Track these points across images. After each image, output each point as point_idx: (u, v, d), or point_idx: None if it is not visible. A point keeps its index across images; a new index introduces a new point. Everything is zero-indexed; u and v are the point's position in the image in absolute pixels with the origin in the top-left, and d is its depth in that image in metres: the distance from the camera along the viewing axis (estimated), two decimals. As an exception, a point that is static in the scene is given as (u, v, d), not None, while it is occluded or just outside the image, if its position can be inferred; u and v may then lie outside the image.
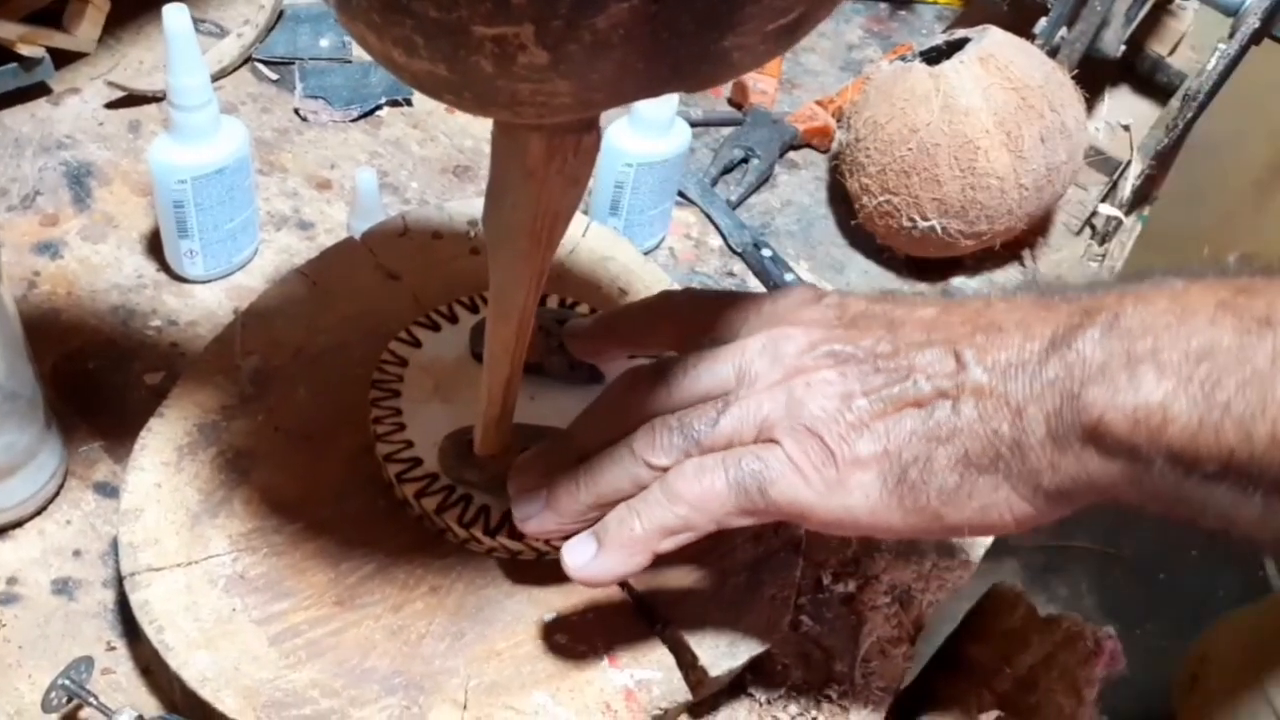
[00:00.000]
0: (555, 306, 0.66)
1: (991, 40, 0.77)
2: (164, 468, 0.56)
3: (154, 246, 0.73)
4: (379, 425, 0.58)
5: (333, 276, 0.68)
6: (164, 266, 0.73)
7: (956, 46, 0.79)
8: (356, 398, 0.61)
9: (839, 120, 0.88)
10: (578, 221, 0.74)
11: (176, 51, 0.63)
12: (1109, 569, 1.81)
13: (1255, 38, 0.77)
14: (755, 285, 0.79)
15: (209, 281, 0.72)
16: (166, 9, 0.62)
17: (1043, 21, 0.83)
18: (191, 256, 0.70)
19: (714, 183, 0.87)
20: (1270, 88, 1.58)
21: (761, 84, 0.92)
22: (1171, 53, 1.00)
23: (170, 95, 0.64)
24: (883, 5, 1.03)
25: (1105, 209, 0.87)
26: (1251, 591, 1.78)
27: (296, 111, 0.84)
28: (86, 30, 0.82)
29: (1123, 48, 0.86)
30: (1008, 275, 0.84)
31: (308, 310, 0.66)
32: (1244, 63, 0.80)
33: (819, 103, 0.92)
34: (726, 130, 0.91)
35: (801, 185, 0.89)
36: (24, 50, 0.77)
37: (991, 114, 0.75)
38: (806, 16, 0.37)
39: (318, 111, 0.84)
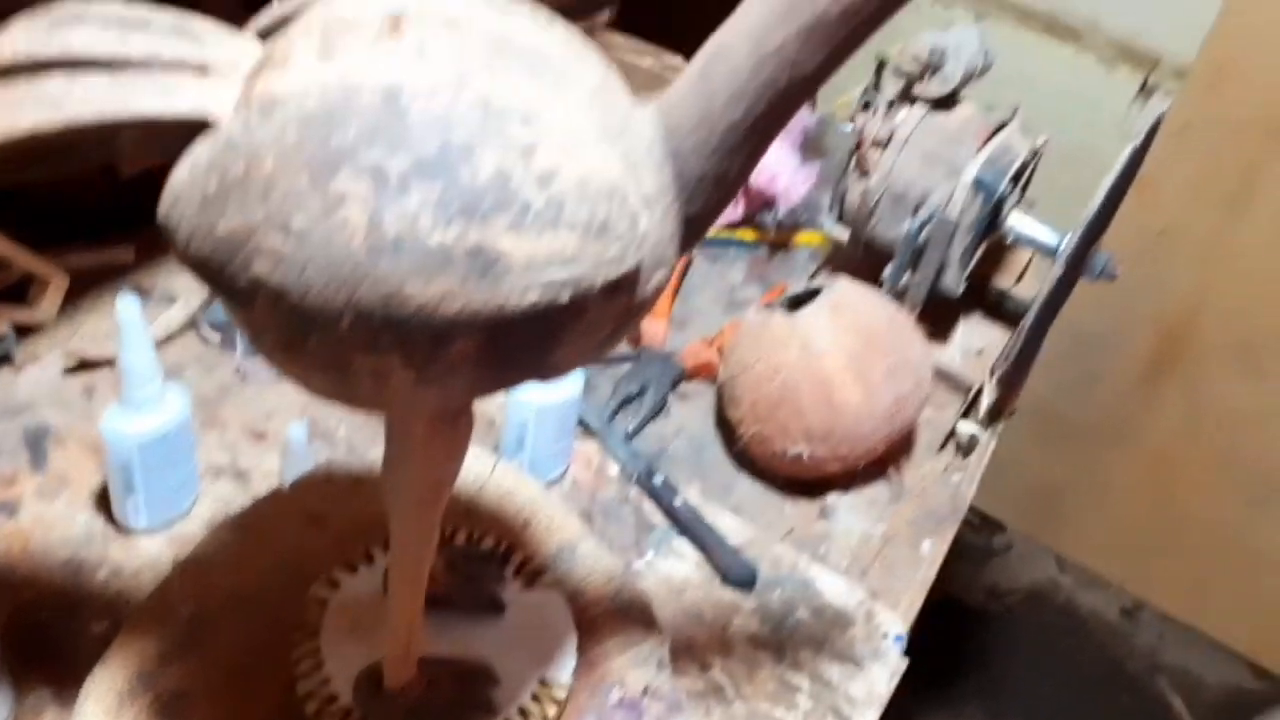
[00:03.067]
0: (463, 542, 0.74)
1: (840, 289, 0.89)
2: (105, 715, 0.62)
3: (103, 501, 0.81)
4: (299, 665, 0.65)
5: (262, 524, 0.77)
6: (111, 520, 0.80)
7: (814, 294, 0.91)
8: (282, 638, 0.68)
9: (721, 356, 0.99)
10: (486, 460, 0.83)
11: (127, 337, 0.73)
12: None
13: (1068, 281, 0.91)
14: (650, 509, 0.89)
15: (152, 532, 0.80)
16: (119, 301, 0.72)
17: (889, 267, 0.96)
18: (137, 511, 0.79)
19: (613, 415, 0.97)
20: (1153, 280, 1.75)
21: (653, 326, 1.04)
22: (1018, 281, 1.13)
23: (121, 373, 0.74)
24: (762, 249, 1.17)
25: (963, 426, 0.98)
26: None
27: (237, 370, 0.94)
28: (47, 306, 0.93)
29: (964, 285, 0.99)
30: (877, 491, 0.94)
31: (238, 557, 0.74)
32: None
33: (705, 340, 1.03)
34: (625, 366, 1.02)
35: (691, 414, 1.00)
36: (-9, 329, 0.87)
37: (843, 354, 0.86)
38: (614, 335, 0.48)
39: (256, 371, 0.94)
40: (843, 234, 1.03)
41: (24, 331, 0.92)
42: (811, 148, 1.15)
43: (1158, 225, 1.72)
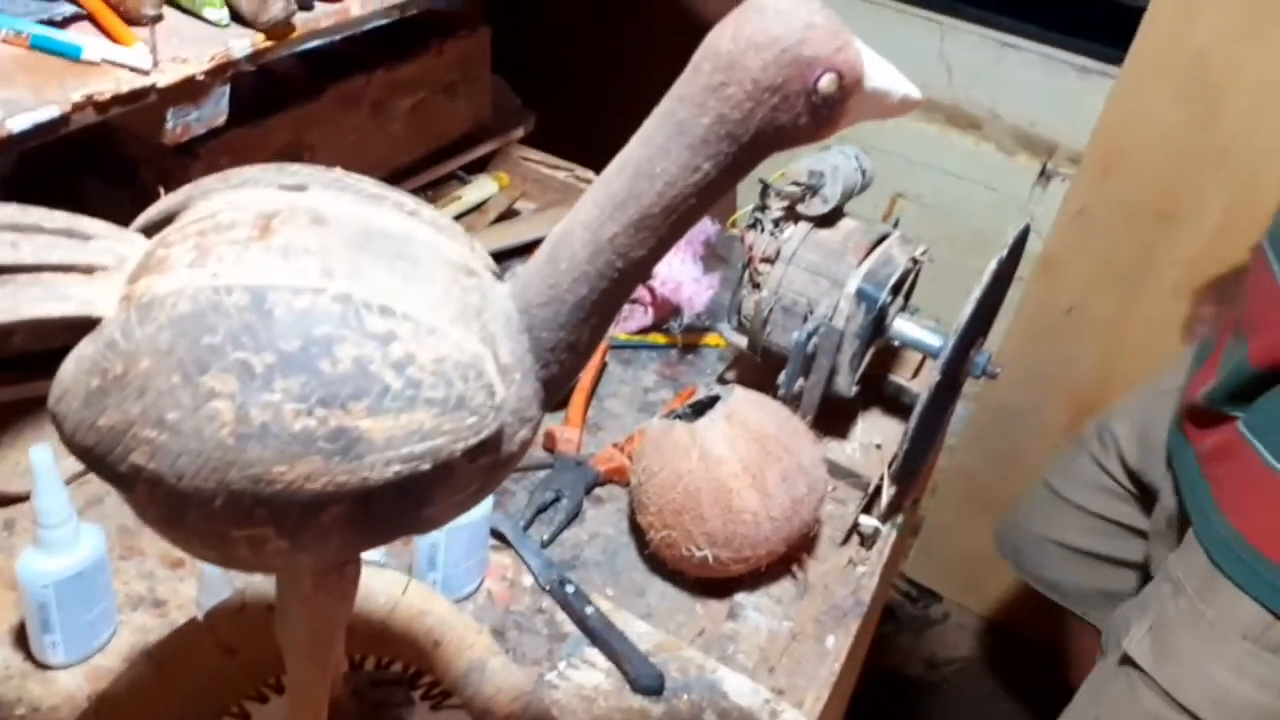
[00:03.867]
0: (371, 667, 0.77)
1: (735, 398, 0.94)
2: None
3: (21, 638, 0.83)
4: (209, 801, 0.67)
5: (177, 657, 0.79)
6: (30, 656, 0.82)
7: (715, 400, 0.96)
8: (196, 773, 0.70)
9: (631, 462, 1.03)
10: (398, 581, 0.86)
11: (41, 482, 0.76)
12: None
13: (949, 384, 0.96)
14: (563, 619, 0.92)
15: (71, 667, 0.82)
16: (33, 450, 0.75)
17: (783, 374, 1.01)
18: (54, 647, 0.81)
19: (528, 525, 1.00)
20: (1064, 355, 1.82)
21: (567, 434, 1.08)
22: (915, 375, 1.19)
23: (36, 515, 0.76)
24: (673, 352, 1.22)
25: (865, 521, 1.03)
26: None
27: (156, 497, 0.96)
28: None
29: (856, 388, 1.04)
30: (783, 588, 0.98)
31: (153, 692, 0.76)
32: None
33: (616, 445, 1.08)
34: (541, 473, 1.06)
35: (606, 518, 1.03)
36: (-90, 471, 0.89)
37: (738, 460, 0.91)
38: (486, 487, 0.52)
39: (175, 496, 0.96)
40: (740, 341, 1.08)
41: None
42: (713, 257, 1.21)
43: (1064, 304, 1.80)
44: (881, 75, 0.47)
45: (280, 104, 1.15)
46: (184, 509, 0.45)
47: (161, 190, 0.53)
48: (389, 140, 1.29)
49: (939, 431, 1.01)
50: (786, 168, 0.99)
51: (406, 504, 0.48)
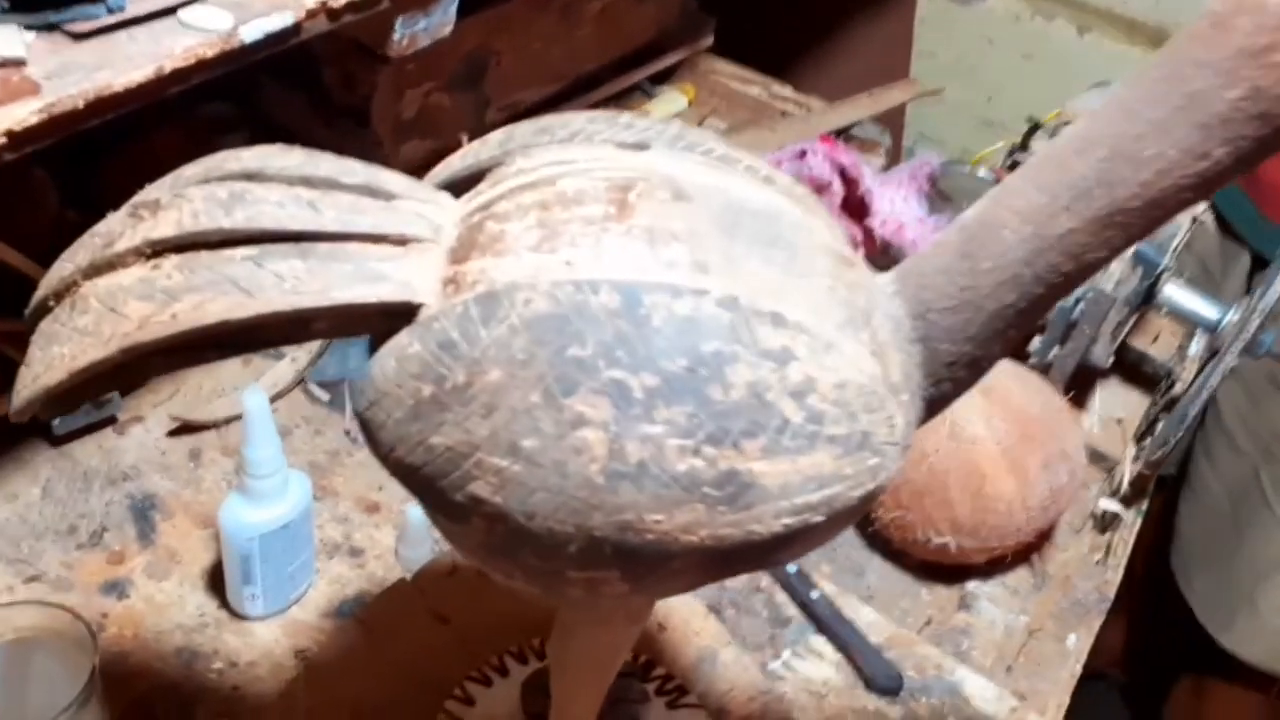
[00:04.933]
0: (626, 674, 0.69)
1: (994, 370, 0.83)
2: None
3: (215, 582, 0.78)
4: (441, 803, 0.61)
5: (385, 622, 0.73)
6: (224, 603, 0.77)
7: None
8: (415, 760, 0.64)
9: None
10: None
11: (253, 429, 0.68)
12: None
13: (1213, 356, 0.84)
14: (783, 600, 0.84)
15: (267, 619, 0.77)
16: (246, 394, 0.68)
17: (1037, 340, 0.90)
18: (253, 599, 0.75)
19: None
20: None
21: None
22: (1154, 342, 1.07)
23: (245, 465, 0.70)
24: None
25: (1105, 504, 0.92)
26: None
27: (346, 432, 0.90)
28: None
29: (1111, 359, 0.92)
30: (1019, 578, 0.88)
31: (362, 660, 0.70)
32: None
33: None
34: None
35: (818, 484, 0.94)
36: (97, 393, 0.83)
37: (996, 442, 0.80)
38: (849, 524, 0.43)
39: (365, 432, 0.89)
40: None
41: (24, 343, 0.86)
42: (937, 194, 1.09)
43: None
44: None
45: (471, 6, 1.05)
46: (521, 547, 0.37)
47: (464, 138, 0.44)
48: (574, 48, 1.18)
49: (1200, 416, 0.89)
50: (1064, 104, 0.86)
51: (770, 553, 0.40)
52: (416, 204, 0.40)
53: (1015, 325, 0.40)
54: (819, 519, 0.37)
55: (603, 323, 0.35)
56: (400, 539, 0.81)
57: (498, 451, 0.35)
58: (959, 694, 0.79)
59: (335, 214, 0.38)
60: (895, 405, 0.39)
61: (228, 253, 0.37)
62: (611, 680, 0.52)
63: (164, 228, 0.37)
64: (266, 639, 0.76)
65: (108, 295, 0.37)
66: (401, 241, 0.39)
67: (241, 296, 0.36)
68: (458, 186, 0.42)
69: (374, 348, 0.40)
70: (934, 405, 0.43)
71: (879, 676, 0.78)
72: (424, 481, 0.37)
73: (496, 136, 0.43)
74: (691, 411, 0.34)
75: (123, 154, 0.93)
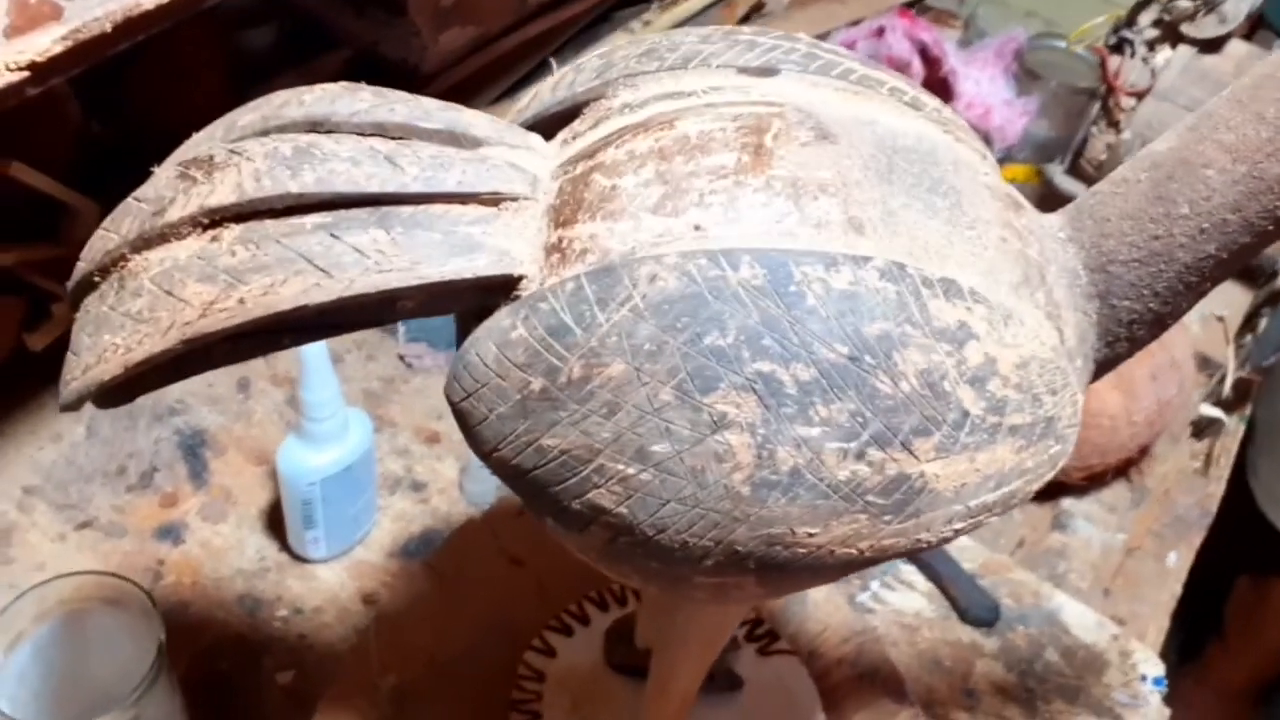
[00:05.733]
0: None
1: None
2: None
3: (273, 522, 0.74)
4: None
5: (456, 565, 0.69)
6: (285, 546, 0.73)
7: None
8: (494, 714, 0.61)
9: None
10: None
11: (310, 371, 0.64)
12: None
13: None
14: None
15: (330, 561, 0.73)
16: (297, 334, 0.63)
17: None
18: (316, 543, 0.71)
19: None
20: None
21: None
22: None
23: (303, 408, 0.65)
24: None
25: (1206, 410, 0.87)
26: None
27: (401, 357, 0.85)
28: (80, 240, 0.82)
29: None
30: (1116, 494, 0.83)
31: (436, 609, 0.67)
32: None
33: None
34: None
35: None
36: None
37: (1101, 356, 0.74)
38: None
39: (421, 356, 0.84)
40: (1076, 188, 0.89)
41: (52, 270, 0.79)
42: (1026, 75, 1.00)
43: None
44: None
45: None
46: (648, 559, 0.32)
47: (553, 63, 0.37)
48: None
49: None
50: (1179, -22, 0.77)
51: (927, 552, 0.34)
52: (506, 150, 0.34)
53: (1212, 279, 0.34)
54: (992, 519, 0.32)
55: (746, 304, 0.29)
56: (464, 472, 0.77)
57: (623, 457, 0.30)
58: (1057, 623, 0.75)
59: (418, 170, 0.32)
60: (1074, 375, 0.33)
61: (297, 220, 0.31)
62: (718, 655, 0.48)
63: (222, 193, 0.31)
64: (332, 583, 0.72)
65: (163, 276, 0.32)
66: (494, 201, 0.33)
67: (318, 276, 0.31)
68: (548, 125, 0.36)
69: (461, 323, 0.34)
70: (1102, 368, 0.37)
71: (974, 607, 0.74)
72: (534, 486, 0.32)
73: (593, 62, 0.36)
74: (855, 409, 0.29)
75: (144, 55, 0.86)
